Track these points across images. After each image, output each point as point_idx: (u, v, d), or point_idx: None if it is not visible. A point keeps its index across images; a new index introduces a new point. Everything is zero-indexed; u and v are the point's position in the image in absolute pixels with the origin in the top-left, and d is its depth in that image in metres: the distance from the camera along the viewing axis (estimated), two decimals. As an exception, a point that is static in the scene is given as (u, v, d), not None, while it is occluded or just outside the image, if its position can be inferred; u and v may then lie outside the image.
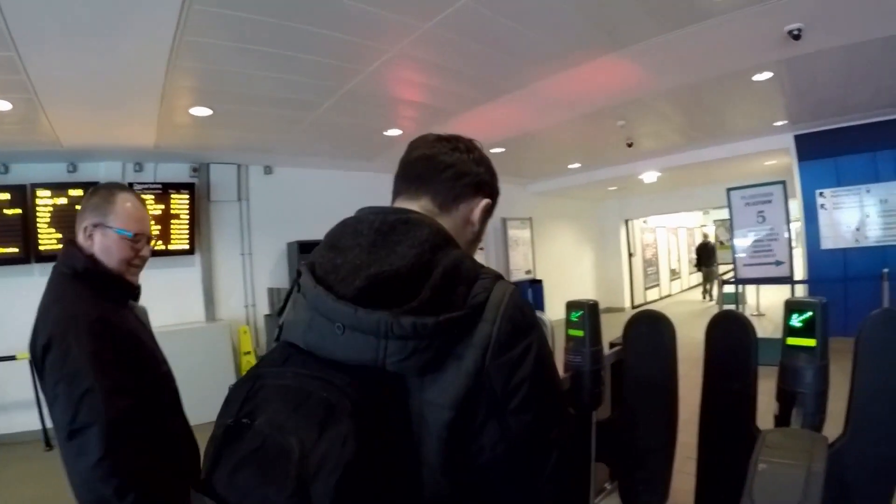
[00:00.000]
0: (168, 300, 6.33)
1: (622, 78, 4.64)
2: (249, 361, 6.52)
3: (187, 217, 6.34)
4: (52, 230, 5.58)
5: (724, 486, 2.26)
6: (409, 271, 0.81)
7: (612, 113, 5.94)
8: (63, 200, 5.60)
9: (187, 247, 6.39)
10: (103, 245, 1.59)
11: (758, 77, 4.98)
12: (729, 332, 2.34)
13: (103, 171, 5.95)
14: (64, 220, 5.60)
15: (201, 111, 4.62)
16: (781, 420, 2.06)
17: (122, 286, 1.63)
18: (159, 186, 6.17)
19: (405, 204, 1.01)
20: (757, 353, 2.32)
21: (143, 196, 5.79)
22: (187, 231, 6.36)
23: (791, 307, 2.15)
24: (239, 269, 6.94)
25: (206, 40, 3.26)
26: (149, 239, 1.70)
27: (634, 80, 4.75)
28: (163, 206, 6.18)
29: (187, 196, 6.31)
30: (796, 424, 1.95)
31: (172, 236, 6.28)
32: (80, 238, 1.61)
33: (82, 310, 1.47)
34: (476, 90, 4.66)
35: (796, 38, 3.81)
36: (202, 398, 5.73)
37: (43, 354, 1.48)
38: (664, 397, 2.47)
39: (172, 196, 6.23)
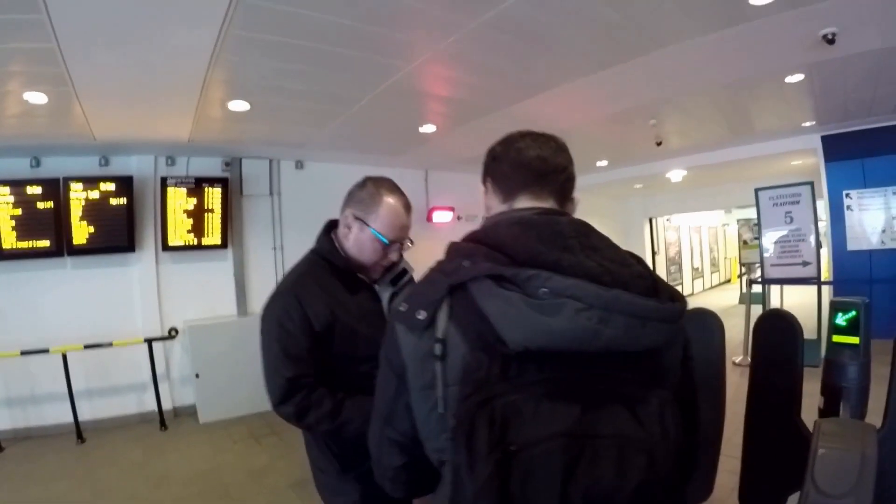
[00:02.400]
0: (201, 295, 6.47)
1: (658, 77, 4.66)
2: (281, 354, 6.60)
3: (220, 211, 6.39)
4: (85, 223, 5.60)
5: (769, 477, 2.37)
6: (644, 271, 0.96)
7: (643, 111, 5.97)
8: (95, 194, 5.62)
9: (220, 242, 6.44)
10: (358, 239, 1.72)
11: (790, 79, 4.99)
12: (777, 329, 2.40)
13: (135, 165, 6.04)
14: (97, 213, 5.64)
15: (239, 105, 4.67)
16: (826, 413, 2.16)
17: (350, 274, 1.76)
18: (192, 181, 6.21)
19: (530, 203, 1.09)
20: (804, 351, 2.38)
21: (177, 189, 5.98)
22: (220, 226, 6.41)
23: (836, 307, 2.27)
24: (271, 264, 7.00)
25: (251, 34, 3.29)
26: (402, 245, 1.78)
27: (670, 79, 4.78)
28: (195, 201, 6.23)
29: (220, 190, 6.36)
30: (844, 416, 2.05)
31: (206, 231, 6.34)
32: (342, 221, 1.76)
33: (289, 287, 1.68)
34: (513, 88, 4.69)
35: (830, 42, 3.84)
36: (242, 393, 5.93)
37: (264, 308, 1.72)
38: (714, 394, 2.53)
39: (206, 190, 6.28)
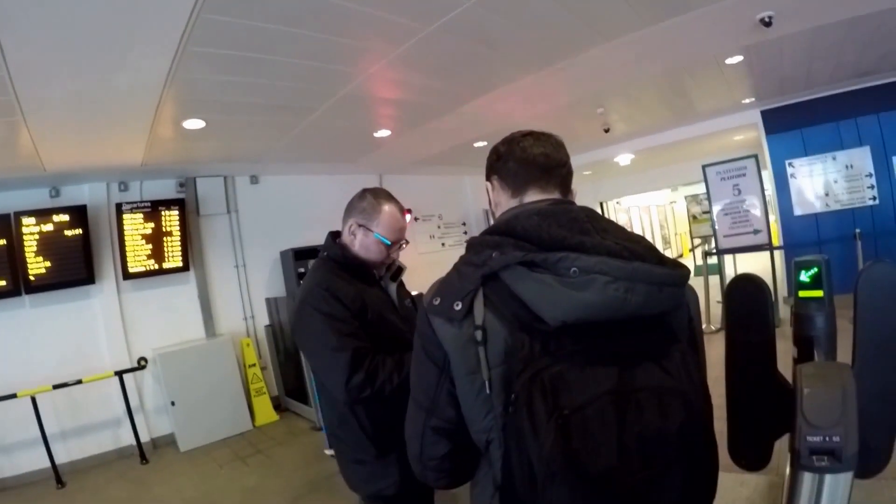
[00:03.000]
0: (167, 321, 6.34)
1: (603, 69, 4.82)
2: (256, 373, 6.57)
3: (179, 233, 6.28)
4: (41, 258, 5.39)
5: (755, 427, 2.52)
6: (649, 244, 1.06)
7: (590, 101, 6.16)
8: (49, 227, 5.42)
9: (181, 264, 6.33)
10: (363, 243, 1.95)
11: (729, 60, 5.26)
12: (747, 291, 2.55)
13: (88, 194, 5.88)
14: (52, 247, 5.44)
15: (195, 123, 4.61)
16: (801, 360, 2.32)
17: (362, 268, 1.96)
18: (148, 204, 6.08)
19: (539, 195, 1.20)
20: (773, 309, 2.54)
21: (133, 215, 5.88)
22: (180, 248, 6.30)
23: (799, 265, 2.44)
24: (234, 282, 6.94)
25: (207, 50, 3.27)
26: (401, 245, 2.03)
27: (616, 70, 4.95)
28: (153, 225, 6.10)
29: (177, 212, 6.26)
30: (819, 360, 2.25)
31: (166, 255, 6.22)
32: (345, 232, 1.98)
33: (318, 282, 1.86)
34: (465, 88, 4.79)
35: (767, 24, 4.05)
36: (219, 416, 5.85)
37: (295, 324, 1.91)
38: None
39: (163, 213, 6.16)
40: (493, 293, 1.02)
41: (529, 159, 1.19)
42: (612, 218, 10.35)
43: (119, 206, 5.92)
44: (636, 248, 1.00)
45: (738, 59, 5.21)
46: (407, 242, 2.07)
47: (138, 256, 6.03)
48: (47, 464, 5.14)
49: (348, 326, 1.77)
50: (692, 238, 13.97)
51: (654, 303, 0.98)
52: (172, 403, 5.80)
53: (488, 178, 1.29)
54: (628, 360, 0.94)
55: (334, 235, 2.04)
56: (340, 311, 1.78)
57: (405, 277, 2.16)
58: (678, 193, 19.16)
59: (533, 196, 1.19)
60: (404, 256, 2.16)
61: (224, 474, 4.98)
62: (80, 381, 5.37)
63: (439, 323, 1.07)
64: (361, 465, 1.93)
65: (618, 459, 0.87)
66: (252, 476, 4.83)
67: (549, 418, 0.88)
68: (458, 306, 1.04)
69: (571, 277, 0.94)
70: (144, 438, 5.79)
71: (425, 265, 2.54)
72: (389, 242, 1.94)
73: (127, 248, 5.95)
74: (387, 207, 1.95)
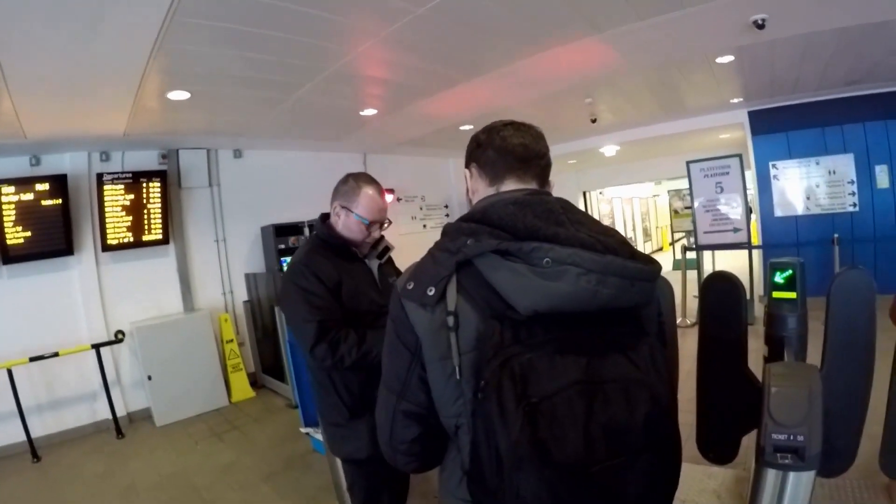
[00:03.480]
0: (145, 294, 6.29)
1: (595, 59, 4.83)
2: (233, 349, 6.55)
3: (160, 206, 6.21)
4: (19, 228, 5.29)
5: (723, 423, 2.58)
6: (622, 238, 1.08)
7: (580, 91, 6.16)
8: (29, 196, 5.31)
9: (161, 237, 6.27)
10: (346, 223, 2.13)
11: (720, 60, 5.29)
12: (722, 289, 2.60)
13: (69, 163, 5.78)
14: (31, 216, 5.34)
15: (179, 95, 4.54)
16: (771, 360, 2.38)
17: (344, 247, 2.15)
18: (129, 176, 5.99)
19: (516, 185, 1.22)
20: (747, 307, 2.59)
21: (113, 186, 5.80)
22: (161, 221, 6.24)
23: (774, 266, 2.52)
24: (214, 257, 6.90)
25: (197, 20, 3.21)
26: (381, 224, 2.19)
27: (606, 61, 4.95)
28: (134, 196, 6.02)
29: (159, 184, 6.17)
30: (788, 360, 2.29)
31: (146, 227, 6.15)
32: (332, 212, 2.17)
33: (300, 259, 2.08)
34: (455, 70, 4.76)
35: (760, 27, 4.09)
36: (196, 391, 5.84)
37: (280, 292, 2.20)
38: (671, 351, 2.74)
39: (144, 185, 6.08)
40: (467, 280, 1.04)
41: (508, 149, 1.21)
42: (595, 208, 10.62)
43: (100, 177, 5.83)
44: (609, 242, 1.02)
45: (729, 58, 5.24)
46: (389, 222, 2.24)
47: (118, 228, 5.96)
48: (23, 437, 5.09)
49: (320, 300, 1.97)
50: (673, 232, 14.09)
51: (626, 296, 1.00)
52: (149, 378, 5.77)
53: (467, 166, 1.30)
54: (597, 351, 0.96)
55: (324, 217, 2.21)
56: (315, 286, 1.99)
57: (392, 256, 2.36)
58: (661, 187, 19.29)
59: (510, 185, 1.21)
60: (386, 236, 2.30)
61: (200, 450, 4.99)
62: (56, 354, 5.30)
63: (412, 307, 1.09)
64: (337, 427, 2.14)
65: (584, 449, 0.90)
66: (227, 452, 4.84)
67: (517, 405, 0.90)
68: (432, 291, 1.06)
69: (544, 267, 0.95)
70: (121, 413, 5.77)
71: (406, 246, 2.56)
72: (368, 221, 2.11)
73: (107, 220, 5.86)
74: (367, 190, 2.12)
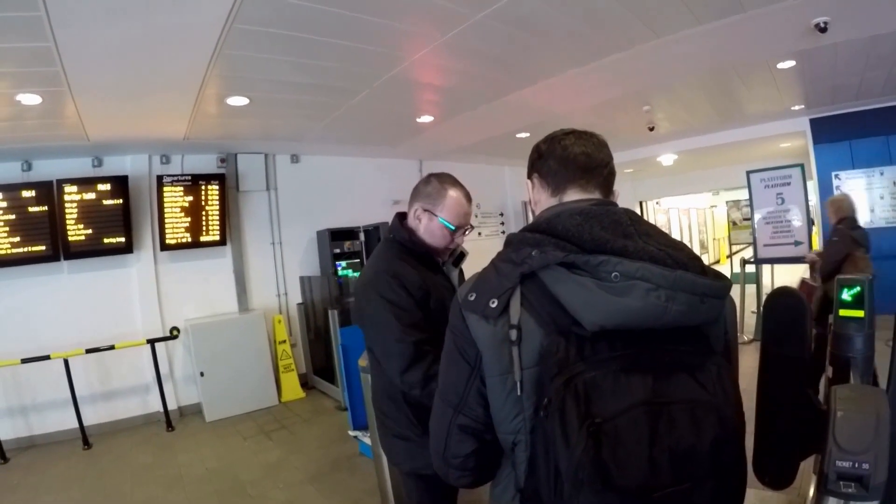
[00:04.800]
0: (201, 293, 6.49)
1: (652, 65, 4.74)
2: (285, 350, 6.68)
3: (217, 208, 6.40)
4: (80, 226, 5.57)
5: (783, 445, 2.47)
6: (693, 253, 1.04)
7: (636, 98, 6.07)
8: (91, 195, 5.59)
9: (219, 238, 6.45)
10: (428, 228, 1.96)
11: (781, 65, 5.12)
12: (786, 306, 2.50)
13: (130, 165, 6.02)
14: (92, 215, 5.62)
15: (238, 100, 4.68)
16: (836, 381, 2.28)
17: (428, 255, 1.99)
18: (189, 178, 6.21)
19: (579, 195, 1.18)
20: (811, 325, 2.49)
21: (173, 188, 5.99)
22: (218, 222, 6.42)
23: (842, 283, 2.41)
24: (270, 259, 7.06)
25: (254, 28, 3.29)
26: (466, 230, 2.04)
27: (665, 68, 4.86)
28: (192, 198, 6.23)
29: (217, 187, 6.38)
30: (854, 383, 2.23)
31: (204, 228, 6.34)
32: (410, 216, 1.99)
33: (385, 267, 1.88)
34: (511, 77, 4.75)
35: (822, 30, 3.95)
36: (247, 389, 5.97)
37: (359, 306, 1.95)
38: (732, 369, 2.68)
39: (203, 187, 6.29)
40: (531, 292, 1.01)
41: (570, 158, 1.17)
42: (651, 219, 10.42)
43: (160, 178, 6.05)
44: (679, 256, 0.98)
45: (790, 63, 5.06)
46: (472, 227, 2.07)
47: (176, 228, 6.17)
48: (76, 424, 5.31)
49: (411, 316, 1.79)
50: (731, 244, 13.70)
51: (695, 314, 0.96)
52: (201, 374, 5.94)
53: (529, 176, 1.27)
54: (664, 370, 0.92)
55: (401, 217, 2.04)
56: (405, 300, 1.80)
57: (466, 264, 2.16)
58: (719, 198, 18.81)
59: (573, 195, 1.18)
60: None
61: (247, 447, 5.08)
62: (112, 347, 5.52)
63: (474, 319, 1.06)
64: (405, 440, 1.96)
65: (648, 472, 0.86)
66: (275, 451, 4.91)
67: (580, 425, 0.86)
68: (494, 304, 1.02)
69: (612, 282, 0.92)
70: (172, 406, 5.94)
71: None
72: (454, 227, 1.95)
73: (166, 220, 6.09)
74: (452, 192, 1.97)
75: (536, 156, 1.24)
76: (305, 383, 6.94)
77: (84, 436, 5.30)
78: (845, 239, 4.90)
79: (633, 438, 0.86)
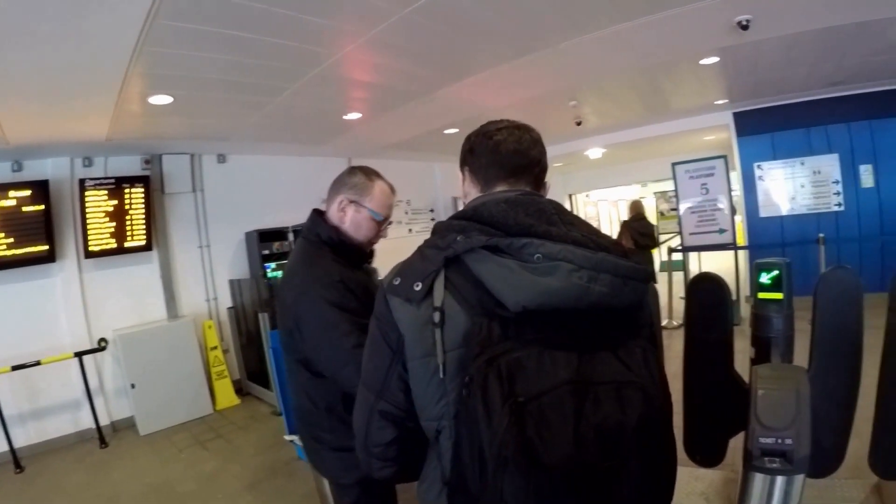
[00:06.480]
0: (128, 301, 6.20)
1: (579, 61, 4.83)
2: (217, 356, 6.47)
3: (143, 212, 6.12)
4: (1, 235, 5.21)
5: (711, 425, 2.57)
6: (613, 239, 1.08)
7: (564, 93, 6.17)
8: (10, 202, 5.22)
9: (144, 243, 6.18)
10: (355, 220, 1.90)
11: (704, 61, 5.31)
12: (708, 290, 2.59)
13: (51, 169, 5.68)
14: (12, 223, 5.24)
15: (161, 99, 4.48)
16: (758, 361, 2.36)
17: (358, 254, 1.93)
18: (112, 181, 5.90)
19: (513, 188, 1.18)
20: (732, 308, 2.58)
21: (96, 192, 5.72)
22: (144, 226, 6.15)
23: (760, 267, 2.51)
24: (198, 263, 6.81)
25: (177, 24, 3.16)
26: (390, 222, 2.01)
27: (591, 63, 4.96)
28: (116, 202, 5.92)
29: (142, 189, 6.09)
30: (775, 362, 2.27)
31: (129, 233, 6.05)
32: (333, 209, 1.90)
33: (324, 271, 1.76)
34: (440, 73, 4.74)
35: (745, 28, 4.10)
36: (180, 399, 5.76)
37: (297, 313, 1.77)
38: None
39: (127, 190, 5.99)
40: (456, 276, 1.02)
41: (501, 156, 1.18)
42: (581, 211, 10.87)
43: (82, 182, 5.74)
44: (602, 240, 1.02)
45: (713, 59, 5.25)
46: (390, 223, 2.05)
47: (101, 235, 5.87)
48: (5, 447, 5.00)
49: (363, 320, 1.66)
50: (659, 234, 14.20)
51: (618, 295, 0.98)
52: (132, 386, 5.69)
53: (461, 168, 1.27)
54: (588, 351, 0.94)
55: (317, 215, 1.95)
56: (355, 304, 1.72)
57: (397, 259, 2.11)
58: (647, 189, 19.41)
59: (501, 188, 1.19)
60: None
61: (184, 459, 4.92)
62: (38, 363, 5.20)
63: (397, 303, 1.08)
64: (346, 452, 1.80)
65: (574, 450, 0.86)
66: (212, 461, 4.77)
67: (503, 403, 0.87)
68: (418, 287, 1.04)
69: (535, 263, 0.94)
70: (104, 422, 5.67)
71: (391, 251, 2.49)
72: (381, 217, 1.93)
73: (89, 226, 5.78)
74: (379, 183, 1.95)
75: (468, 148, 1.24)
76: (240, 389, 6.74)
77: (15, 459, 4.97)
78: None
79: (559, 416, 0.87)
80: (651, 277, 1.07)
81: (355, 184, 1.91)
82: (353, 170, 1.97)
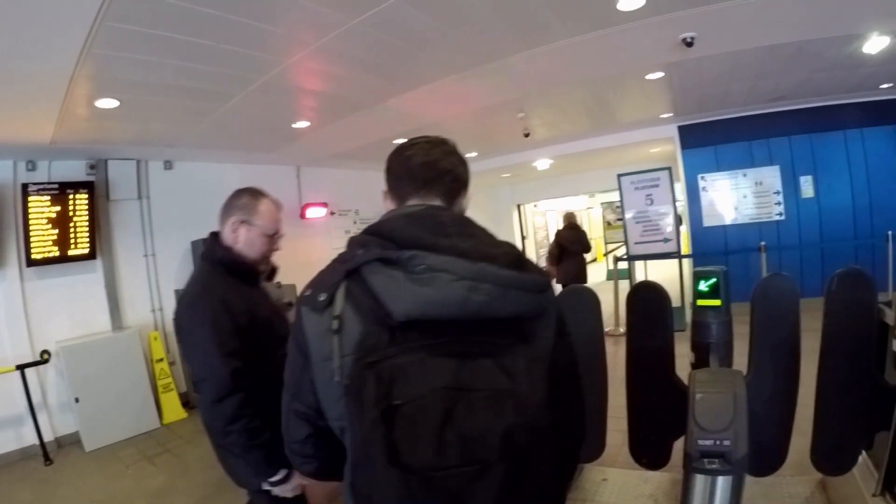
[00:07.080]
0: (72, 312, 5.96)
1: (527, 74, 4.94)
2: (163, 369, 6.30)
3: (87, 218, 5.92)
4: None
5: (654, 428, 2.65)
6: (511, 250, 1.14)
7: (512, 105, 6.27)
8: None
9: (88, 251, 5.97)
10: (247, 239, 2.01)
11: (650, 76, 5.50)
12: (647, 298, 2.69)
13: (-6, 171, 5.45)
14: None
15: (108, 102, 4.37)
16: (698, 366, 2.47)
17: (250, 271, 2.04)
18: (55, 186, 5.68)
19: (424, 202, 1.24)
20: (672, 315, 2.68)
21: (39, 197, 5.52)
22: (88, 234, 5.94)
23: (698, 275, 2.62)
24: (143, 272, 6.60)
25: (125, 26, 3.11)
26: (280, 236, 2.12)
27: (539, 76, 5.07)
28: (60, 208, 5.71)
29: (86, 195, 5.89)
30: (714, 367, 2.37)
31: (72, 241, 5.85)
32: (226, 231, 2.02)
33: (209, 291, 1.89)
34: (388, 83, 4.78)
35: (689, 45, 4.27)
36: (126, 413, 5.58)
37: (179, 324, 1.93)
38: (596, 362, 2.78)
39: (71, 196, 5.78)
40: (355, 287, 1.08)
41: (411, 170, 1.24)
42: (529, 221, 11.19)
43: (25, 187, 5.52)
44: (489, 252, 1.06)
45: (659, 75, 5.45)
46: (281, 235, 2.15)
47: (43, 242, 5.65)
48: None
49: (232, 344, 1.81)
50: (606, 243, 14.52)
51: (500, 305, 1.03)
52: (76, 400, 5.49)
53: (385, 186, 1.34)
54: (469, 358, 0.99)
55: (214, 238, 2.06)
56: (228, 327, 1.82)
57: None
58: (595, 200, 19.84)
59: (414, 201, 1.25)
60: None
61: (131, 475, 4.78)
62: (-23, 376, 4.97)
63: (305, 311, 1.15)
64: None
65: (435, 453, 0.91)
66: (160, 476, 4.66)
67: (375, 404, 0.93)
68: (322, 297, 1.10)
69: (419, 274, 1.00)
70: (48, 437, 5.44)
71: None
72: (272, 232, 2.06)
73: (31, 233, 5.55)
74: (265, 200, 2.06)
75: (386, 167, 1.31)
76: (187, 402, 6.52)
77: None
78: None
79: (426, 420, 0.93)
80: (546, 287, 1.14)
81: (243, 205, 2.03)
82: (239, 192, 2.08)
